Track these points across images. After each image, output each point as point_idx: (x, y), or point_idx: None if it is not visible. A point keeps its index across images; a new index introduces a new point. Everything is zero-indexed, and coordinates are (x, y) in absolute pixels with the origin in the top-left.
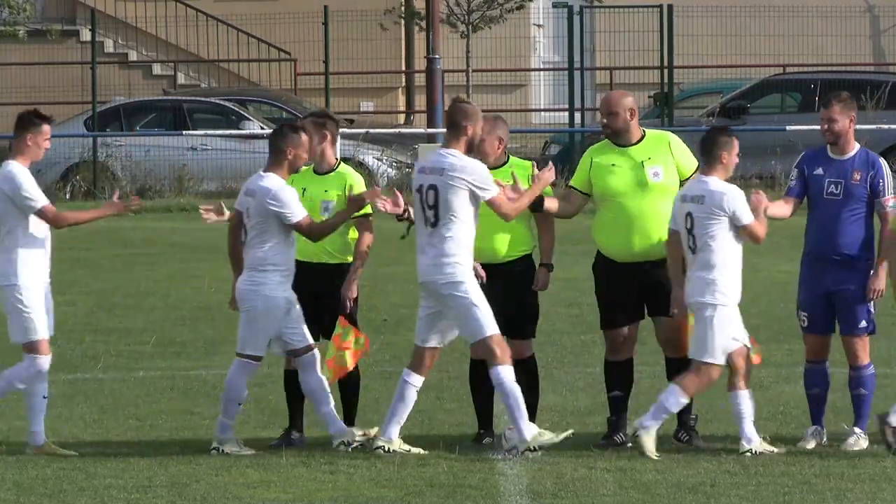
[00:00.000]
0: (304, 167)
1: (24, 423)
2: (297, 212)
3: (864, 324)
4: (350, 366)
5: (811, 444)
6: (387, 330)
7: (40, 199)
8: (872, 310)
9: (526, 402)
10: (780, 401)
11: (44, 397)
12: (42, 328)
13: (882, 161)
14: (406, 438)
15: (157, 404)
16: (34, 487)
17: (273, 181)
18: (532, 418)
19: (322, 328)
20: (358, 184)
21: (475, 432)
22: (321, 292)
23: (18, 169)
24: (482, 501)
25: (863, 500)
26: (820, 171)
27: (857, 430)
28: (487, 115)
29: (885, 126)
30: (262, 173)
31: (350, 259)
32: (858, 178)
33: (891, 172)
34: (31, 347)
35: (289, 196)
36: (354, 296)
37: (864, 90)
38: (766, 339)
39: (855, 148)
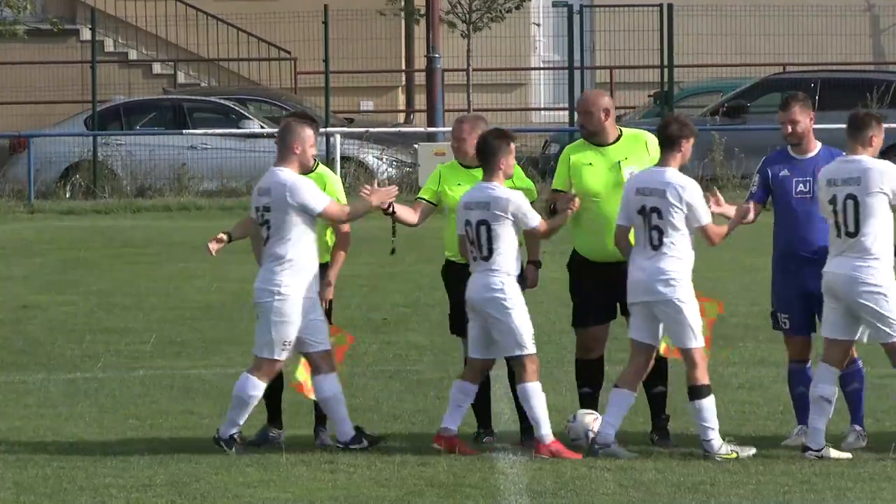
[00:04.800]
0: None
1: (24, 423)
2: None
3: None
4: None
5: (796, 443)
6: (387, 330)
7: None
8: None
9: None
10: (780, 400)
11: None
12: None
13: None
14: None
15: (157, 404)
16: (34, 487)
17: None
18: None
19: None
20: (333, 184)
21: (475, 432)
22: None
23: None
24: (482, 501)
25: (863, 499)
26: (786, 171)
27: (856, 427)
28: (468, 115)
29: (886, 125)
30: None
31: (327, 259)
32: None
33: None
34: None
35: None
36: (331, 297)
37: (864, 89)
38: (765, 338)
39: (817, 146)
